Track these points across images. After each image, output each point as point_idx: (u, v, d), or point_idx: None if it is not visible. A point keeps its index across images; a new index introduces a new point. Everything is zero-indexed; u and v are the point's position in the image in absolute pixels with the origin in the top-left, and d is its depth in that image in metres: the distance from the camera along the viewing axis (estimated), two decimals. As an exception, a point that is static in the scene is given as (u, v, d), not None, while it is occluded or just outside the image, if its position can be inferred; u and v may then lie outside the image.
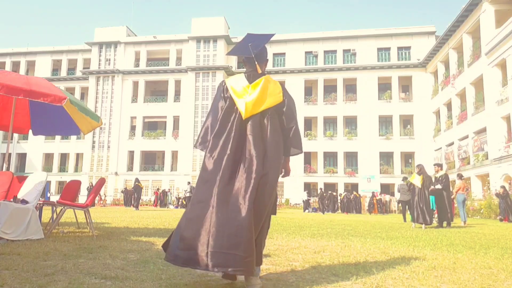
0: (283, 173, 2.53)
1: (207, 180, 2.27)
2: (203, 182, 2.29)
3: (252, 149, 2.29)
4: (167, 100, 38.01)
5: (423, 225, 9.11)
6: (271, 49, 37.33)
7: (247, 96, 2.38)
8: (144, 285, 2.23)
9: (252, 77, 2.48)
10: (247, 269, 2.06)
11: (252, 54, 2.51)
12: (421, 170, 9.64)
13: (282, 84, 2.56)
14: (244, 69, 2.66)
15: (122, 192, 27.80)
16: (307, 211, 24.38)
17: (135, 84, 38.80)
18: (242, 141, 2.32)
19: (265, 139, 2.34)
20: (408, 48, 35.10)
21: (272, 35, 2.71)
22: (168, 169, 36.53)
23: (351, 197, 25.53)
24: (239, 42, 2.62)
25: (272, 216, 2.57)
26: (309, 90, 36.87)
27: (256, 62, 2.52)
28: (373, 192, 26.70)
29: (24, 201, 4.31)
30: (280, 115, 2.45)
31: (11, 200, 4.30)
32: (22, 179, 4.92)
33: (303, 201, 26.23)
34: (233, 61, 37.68)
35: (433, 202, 10.06)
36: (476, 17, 23.95)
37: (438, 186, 9.83)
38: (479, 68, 23.92)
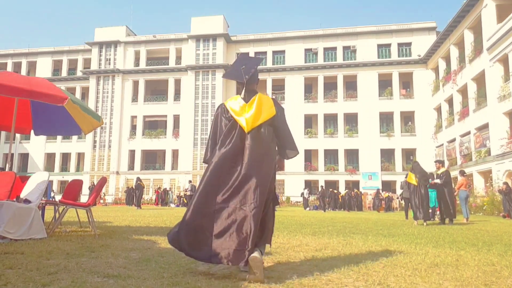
0: (277, 169, 2.90)
1: (209, 184, 2.63)
2: (206, 186, 2.64)
3: (251, 157, 2.66)
4: (167, 99, 38.03)
5: (424, 222, 9.13)
6: (271, 47, 37.27)
7: (246, 114, 2.78)
8: (146, 284, 2.23)
9: (247, 97, 2.87)
10: (239, 259, 2.42)
11: (244, 79, 2.86)
12: (415, 169, 9.72)
13: (273, 98, 2.96)
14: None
15: (125, 192, 27.85)
16: (308, 208, 24.37)
17: (135, 84, 38.83)
18: (241, 151, 2.70)
19: (263, 146, 2.72)
20: (409, 44, 34.97)
21: (262, 59, 3.29)
22: (169, 168, 36.58)
23: (352, 194, 25.50)
24: (232, 64, 3.03)
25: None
26: (309, 88, 36.80)
27: (246, 85, 2.87)
28: (378, 190, 26.62)
29: (26, 201, 4.33)
30: (274, 126, 2.84)
31: (14, 199, 4.31)
32: (24, 179, 4.93)
33: (303, 197, 26.20)
34: (233, 60, 37.54)
35: (434, 199, 10.06)
36: (478, 12, 23.84)
37: (437, 181, 9.85)
38: (480, 64, 23.82)
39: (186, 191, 25.64)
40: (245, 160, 2.65)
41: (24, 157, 40.48)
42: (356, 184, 32.80)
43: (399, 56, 34.89)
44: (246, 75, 2.86)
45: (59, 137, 39.23)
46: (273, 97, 35.18)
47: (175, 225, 2.71)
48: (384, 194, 25.64)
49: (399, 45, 35.14)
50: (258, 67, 3.13)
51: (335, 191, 26.74)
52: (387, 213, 21.64)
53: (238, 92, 3.01)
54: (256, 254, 2.41)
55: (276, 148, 2.89)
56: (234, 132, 2.75)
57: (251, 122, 2.74)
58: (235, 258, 2.42)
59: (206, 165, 2.82)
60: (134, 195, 20.31)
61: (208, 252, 2.48)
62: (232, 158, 2.68)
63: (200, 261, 2.60)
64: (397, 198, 26.57)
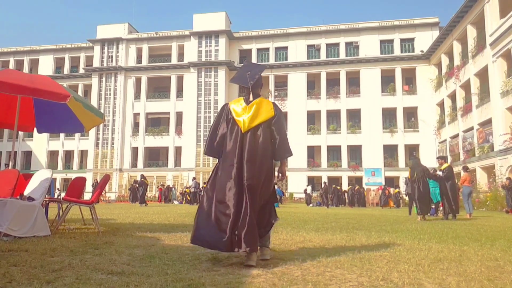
0: (280, 177, 3.16)
1: (224, 183, 2.90)
2: (220, 186, 2.91)
3: (247, 156, 2.93)
4: (170, 96, 38.02)
5: (423, 216, 9.18)
6: (273, 43, 37.15)
7: (245, 115, 3.03)
8: (150, 280, 2.24)
9: (249, 100, 3.13)
10: (254, 247, 2.75)
11: (249, 85, 3.12)
12: (413, 165, 9.80)
13: (273, 103, 3.20)
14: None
15: (129, 189, 27.84)
16: (311, 205, 24.35)
17: (138, 81, 38.81)
18: (243, 150, 2.96)
19: (259, 146, 2.96)
20: (412, 40, 34.77)
21: (266, 66, 4.07)
22: (172, 165, 36.64)
23: (355, 189, 25.44)
24: (239, 71, 3.31)
25: (276, 210, 3.18)
26: (311, 84, 36.70)
27: (251, 89, 3.14)
28: (384, 186, 26.53)
29: (30, 198, 4.34)
30: (271, 127, 3.06)
31: (18, 197, 4.32)
32: (28, 177, 4.94)
33: (306, 193, 26.15)
34: (235, 56, 37.52)
35: (437, 194, 10.04)
36: (480, 8, 23.65)
37: (439, 173, 9.86)
38: (483, 59, 23.68)
39: (190, 188, 25.65)
40: (243, 158, 2.92)
41: (27, 155, 40.65)
42: (359, 180, 32.74)
43: (402, 52, 34.71)
44: (251, 80, 3.11)
45: (62, 135, 39.31)
46: (276, 93, 35.38)
47: (194, 226, 2.97)
48: (394, 190, 25.49)
49: (402, 40, 34.95)
50: (261, 63, 3.25)
51: (338, 187, 26.68)
52: (396, 209, 21.53)
53: (240, 91, 3.17)
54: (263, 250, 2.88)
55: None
56: (235, 132, 3.02)
57: (247, 123, 3.01)
58: (246, 245, 2.72)
59: (202, 147, 2.99)
60: (137, 191, 20.38)
61: (229, 244, 2.76)
62: (232, 157, 2.94)
63: (223, 252, 2.93)
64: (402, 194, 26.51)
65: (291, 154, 3.08)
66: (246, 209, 2.80)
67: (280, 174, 3.17)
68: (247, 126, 3.00)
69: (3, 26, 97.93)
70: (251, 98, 3.12)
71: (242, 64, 3.53)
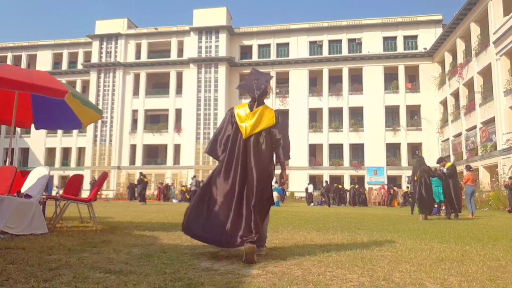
0: (281, 181, 3.34)
1: (226, 185, 3.05)
2: (222, 187, 3.06)
3: (252, 160, 3.09)
4: (169, 93, 37.79)
5: (424, 216, 9.15)
6: (274, 39, 37.00)
7: (248, 122, 3.18)
8: (149, 279, 2.21)
9: (253, 107, 3.26)
10: (254, 245, 2.87)
11: (255, 94, 3.23)
12: (417, 164, 9.83)
13: (276, 111, 3.32)
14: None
15: (127, 188, 27.78)
16: (312, 204, 24.28)
17: (137, 77, 38.52)
18: (245, 154, 3.12)
19: (259, 151, 3.12)
20: (415, 37, 34.58)
21: (272, 76, 3.59)
22: (171, 163, 36.51)
23: (356, 188, 25.41)
24: (245, 78, 3.42)
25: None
26: (313, 81, 36.53)
27: (257, 98, 3.26)
28: (390, 185, 26.52)
29: (27, 196, 4.31)
30: (273, 134, 3.19)
31: (15, 194, 4.29)
32: (25, 174, 4.91)
33: (307, 192, 26.10)
34: (236, 52, 37.38)
35: (440, 194, 10.00)
36: (484, 5, 23.51)
37: (444, 169, 9.82)
38: (487, 57, 23.56)
39: (190, 186, 25.62)
40: (247, 162, 3.08)
41: (25, 151, 40.43)
42: (361, 179, 32.68)
43: (405, 49, 34.49)
44: (257, 90, 3.23)
45: (59, 132, 39.14)
46: (277, 90, 35.15)
47: (187, 217, 3.13)
48: (403, 190, 25.42)
49: (405, 38, 34.73)
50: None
51: (340, 186, 26.61)
52: (399, 208, 21.46)
53: (241, 93, 3.29)
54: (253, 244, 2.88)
55: (274, 154, 3.25)
56: (239, 138, 3.16)
57: (249, 129, 3.15)
58: (239, 243, 2.88)
59: (201, 144, 3.09)
60: (135, 189, 20.27)
61: (225, 239, 2.91)
62: (235, 160, 3.09)
63: (220, 247, 3.09)
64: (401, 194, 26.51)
65: (289, 158, 3.22)
66: (247, 209, 2.94)
67: (282, 179, 3.31)
68: (248, 133, 3.14)
69: (1, 21, 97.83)
70: (255, 106, 3.24)
71: (249, 71, 3.60)
